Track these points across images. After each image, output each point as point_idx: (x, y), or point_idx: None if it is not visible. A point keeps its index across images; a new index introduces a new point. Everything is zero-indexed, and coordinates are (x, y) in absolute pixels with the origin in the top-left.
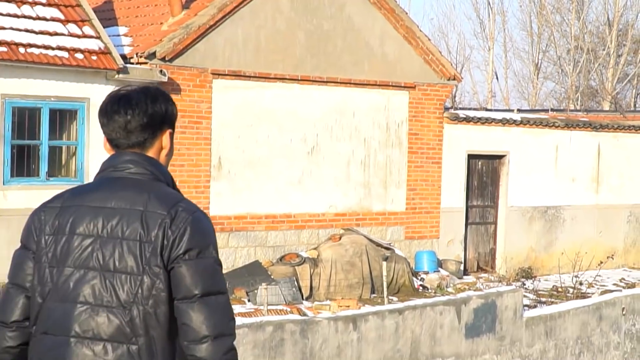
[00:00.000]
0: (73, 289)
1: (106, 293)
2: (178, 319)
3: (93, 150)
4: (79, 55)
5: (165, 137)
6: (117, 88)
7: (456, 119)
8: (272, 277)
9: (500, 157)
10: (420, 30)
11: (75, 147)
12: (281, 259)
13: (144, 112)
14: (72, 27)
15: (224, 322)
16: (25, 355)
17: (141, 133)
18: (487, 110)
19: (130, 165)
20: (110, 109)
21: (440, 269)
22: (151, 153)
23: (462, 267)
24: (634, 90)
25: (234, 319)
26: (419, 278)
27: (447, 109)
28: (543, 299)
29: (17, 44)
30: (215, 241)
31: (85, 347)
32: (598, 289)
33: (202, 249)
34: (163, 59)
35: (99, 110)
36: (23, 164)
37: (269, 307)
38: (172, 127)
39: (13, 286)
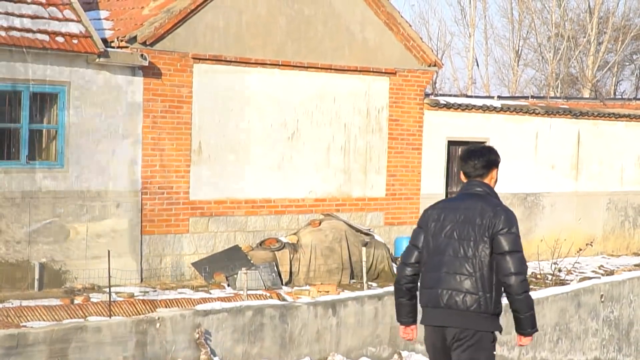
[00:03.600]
0: (444, 248)
1: (460, 250)
2: (496, 263)
3: (73, 134)
4: (60, 39)
5: (494, 172)
6: (468, 146)
7: (436, 106)
8: (251, 262)
9: (480, 143)
10: (401, 17)
11: (56, 131)
12: (261, 244)
13: (484, 159)
14: (53, 11)
15: (521, 265)
16: (414, 281)
17: (482, 170)
18: (467, 96)
19: (476, 187)
20: (468, 157)
21: None
22: (486, 180)
23: None
24: (614, 78)
25: (526, 265)
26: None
27: (427, 95)
28: None
29: None
30: (517, 224)
31: (451, 277)
32: (577, 275)
33: (509, 228)
34: (144, 43)
35: (460, 156)
36: (3, 147)
37: (249, 292)
38: (498, 167)
39: (413, 246)
